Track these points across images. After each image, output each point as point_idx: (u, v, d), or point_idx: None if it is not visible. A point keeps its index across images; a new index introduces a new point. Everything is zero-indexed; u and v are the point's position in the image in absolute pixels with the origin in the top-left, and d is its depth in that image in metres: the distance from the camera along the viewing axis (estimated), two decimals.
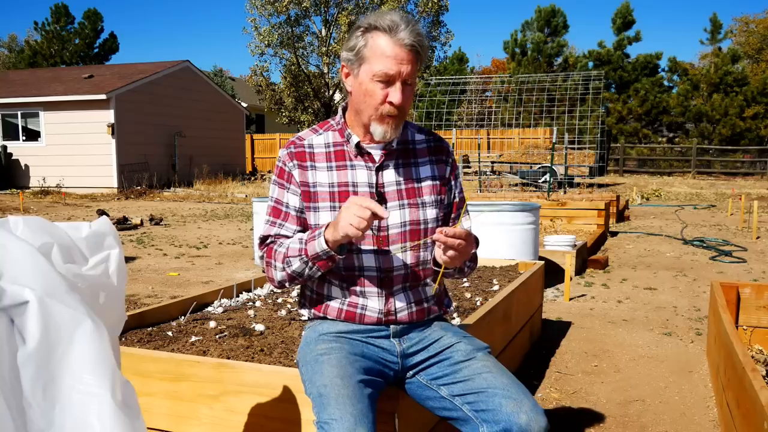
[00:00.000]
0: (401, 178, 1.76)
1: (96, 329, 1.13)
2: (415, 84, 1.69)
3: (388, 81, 1.62)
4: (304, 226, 1.75)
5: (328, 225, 1.61)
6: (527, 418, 1.48)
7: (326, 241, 1.59)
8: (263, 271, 1.77)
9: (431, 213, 1.77)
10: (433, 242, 1.66)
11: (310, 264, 1.64)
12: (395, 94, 1.62)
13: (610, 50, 29.45)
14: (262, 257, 1.76)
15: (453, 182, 1.85)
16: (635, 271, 6.31)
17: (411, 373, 1.74)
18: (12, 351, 1.07)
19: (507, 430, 1.49)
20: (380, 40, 1.61)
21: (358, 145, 1.73)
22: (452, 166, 1.86)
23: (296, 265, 1.65)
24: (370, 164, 1.74)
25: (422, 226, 1.75)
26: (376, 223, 1.68)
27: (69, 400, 1.08)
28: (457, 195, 1.86)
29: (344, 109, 1.79)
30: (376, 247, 1.72)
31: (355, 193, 1.72)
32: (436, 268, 1.74)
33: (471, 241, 1.62)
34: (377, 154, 1.75)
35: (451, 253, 1.58)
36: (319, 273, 1.67)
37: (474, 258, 1.84)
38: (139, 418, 1.16)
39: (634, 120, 29.26)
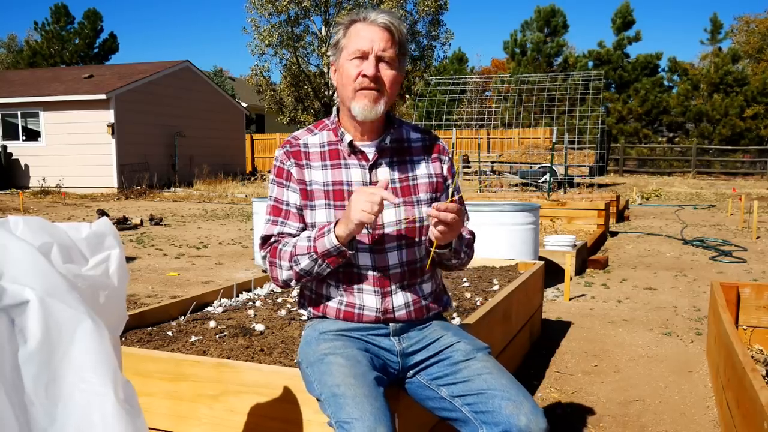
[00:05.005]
0: (395, 176, 1.77)
1: (96, 329, 1.13)
2: (395, 64, 1.71)
3: (362, 57, 1.68)
4: (305, 224, 1.76)
5: (336, 222, 1.62)
6: (527, 420, 1.49)
7: (337, 237, 1.60)
8: (264, 272, 1.77)
9: (426, 210, 1.77)
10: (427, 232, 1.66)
11: (319, 261, 1.64)
12: (368, 66, 1.67)
13: (610, 50, 29.44)
14: (265, 257, 1.76)
15: (450, 180, 1.85)
16: (635, 271, 6.31)
17: (411, 372, 1.74)
18: (13, 350, 1.08)
19: None
20: (356, 27, 1.70)
21: (351, 144, 1.74)
22: (450, 164, 1.87)
23: (305, 263, 1.65)
24: (364, 163, 1.75)
25: (417, 224, 1.75)
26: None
27: (71, 399, 1.09)
28: (455, 193, 1.86)
29: (338, 109, 1.81)
30: (371, 245, 1.72)
31: (350, 192, 1.73)
32: (429, 248, 1.74)
33: (462, 216, 1.64)
34: (370, 152, 1.76)
35: (441, 227, 1.59)
36: (329, 270, 1.67)
37: (470, 245, 1.84)
38: (140, 416, 1.16)
39: (634, 120, 29.25)
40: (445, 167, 1.85)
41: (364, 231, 1.70)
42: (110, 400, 1.10)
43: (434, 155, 1.84)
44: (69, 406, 1.09)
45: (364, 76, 1.67)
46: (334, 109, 1.83)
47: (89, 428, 1.07)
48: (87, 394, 1.09)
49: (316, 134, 1.80)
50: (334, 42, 1.74)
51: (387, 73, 1.69)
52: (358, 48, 1.67)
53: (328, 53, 1.81)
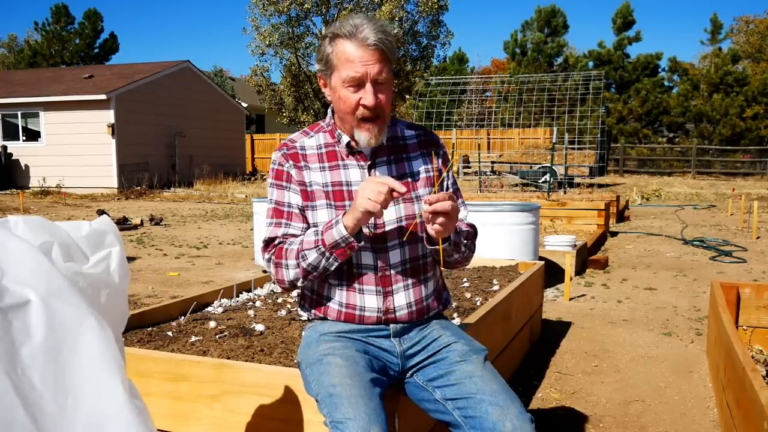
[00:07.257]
0: (394, 174, 1.77)
1: (100, 326, 1.14)
2: (390, 83, 1.69)
3: (358, 84, 1.63)
4: (309, 224, 1.75)
5: (344, 213, 1.62)
6: (512, 426, 1.49)
7: (345, 227, 1.59)
8: (264, 272, 1.77)
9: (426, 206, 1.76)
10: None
11: (327, 254, 1.63)
12: (367, 96, 1.63)
13: (610, 50, 29.45)
14: (269, 260, 1.74)
15: (446, 174, 1.85)
16: (635, 271, 6.31)
17: (410, 373, 1.74)
18: (19, 347, 1.08)
19: None
20: (344, 46, 1.63)
21: (348, 145, 1.75)
22: (444, 158, 1.87)
23: (312, 257, 1.64)
24: (362, 162, 1.76)
25: (417, 220, 1.75)
26: (372, 219, 1.68)
27: (81, 391, 1.10)
28: (450, 186, 1.86)
29: (333, 110, 1.80)
30: (373, 243, 1.72)
31: (350, 192, 1.73)
32: (432, 247, 1.71)
33: (455, 201, 1.60)
34: (368, 152, 1.76)
35: (440, 219, 1.56)
36: (336, 264, 1.65)
37: (470, 237, 1.82)
38: (146, 411, 1.18)
39: (634, 120, 29.26)
40: (440, 161, 1.86)
41: (366, 230, 1.70)
42: (120, 392, 1.11)
43: (429, 150, 1.84)
44: (79, 398, 1.10)
45: (364, 106, 1.64)
46: (329, 110, 1.82)
47: (101, 419, 1.09)
48: (97, 387, 1.10)
49: (312, 136, 1.80)
50: (323, 56, 1.67)
51: (383, 96, 1.66)
52: (352, 76, 1.61)
53: (315, 65, 1.74)
